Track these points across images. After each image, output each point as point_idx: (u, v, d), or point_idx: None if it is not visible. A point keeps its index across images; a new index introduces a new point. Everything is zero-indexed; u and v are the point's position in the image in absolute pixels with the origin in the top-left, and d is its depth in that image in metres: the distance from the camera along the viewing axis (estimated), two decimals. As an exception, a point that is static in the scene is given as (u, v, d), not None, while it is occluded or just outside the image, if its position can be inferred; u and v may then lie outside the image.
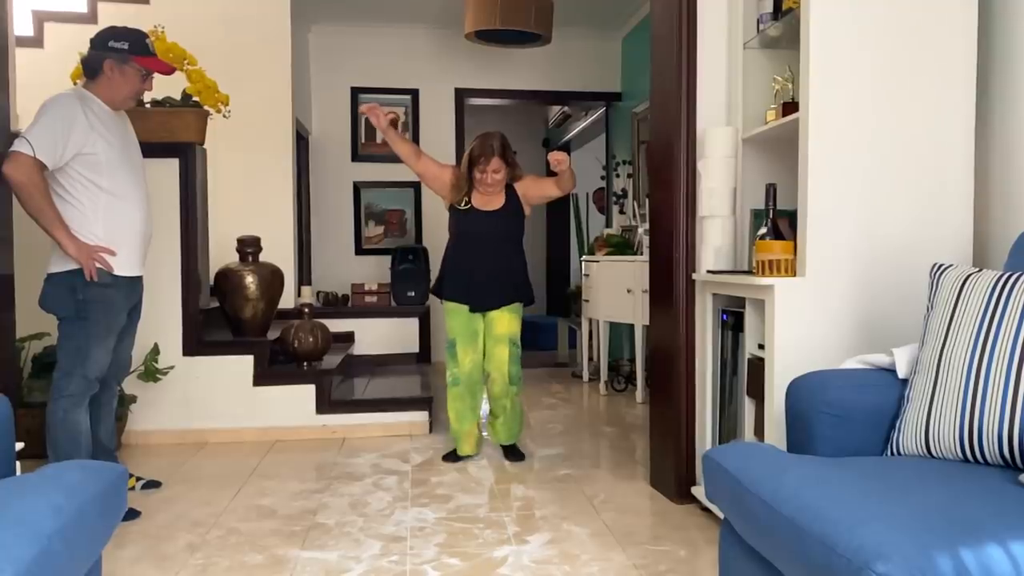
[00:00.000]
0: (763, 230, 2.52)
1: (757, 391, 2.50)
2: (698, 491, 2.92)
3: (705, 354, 2.89)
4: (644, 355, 5.12)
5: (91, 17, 5.23)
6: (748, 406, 2.60)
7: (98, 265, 2.80)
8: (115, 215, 2.86)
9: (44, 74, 4.49)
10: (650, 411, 3.26)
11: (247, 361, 4.10)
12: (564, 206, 9.24)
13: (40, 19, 5.23)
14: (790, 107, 2.58)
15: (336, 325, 5.45)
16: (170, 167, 3.85)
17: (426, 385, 4.69)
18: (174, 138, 3.89)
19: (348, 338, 5.47)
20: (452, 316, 3.65)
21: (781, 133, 2.65)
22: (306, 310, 4.30)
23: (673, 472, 3.01)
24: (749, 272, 2.65)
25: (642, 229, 5.28)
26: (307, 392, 4.15)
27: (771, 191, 2.53)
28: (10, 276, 3.15)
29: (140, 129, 4.07)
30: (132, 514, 2.87)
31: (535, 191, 3.68)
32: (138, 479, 3.26)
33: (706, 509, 2.87)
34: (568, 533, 2.70)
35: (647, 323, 4.94)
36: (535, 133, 9.66)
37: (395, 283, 5.72)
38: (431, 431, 4.24)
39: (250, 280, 4.12)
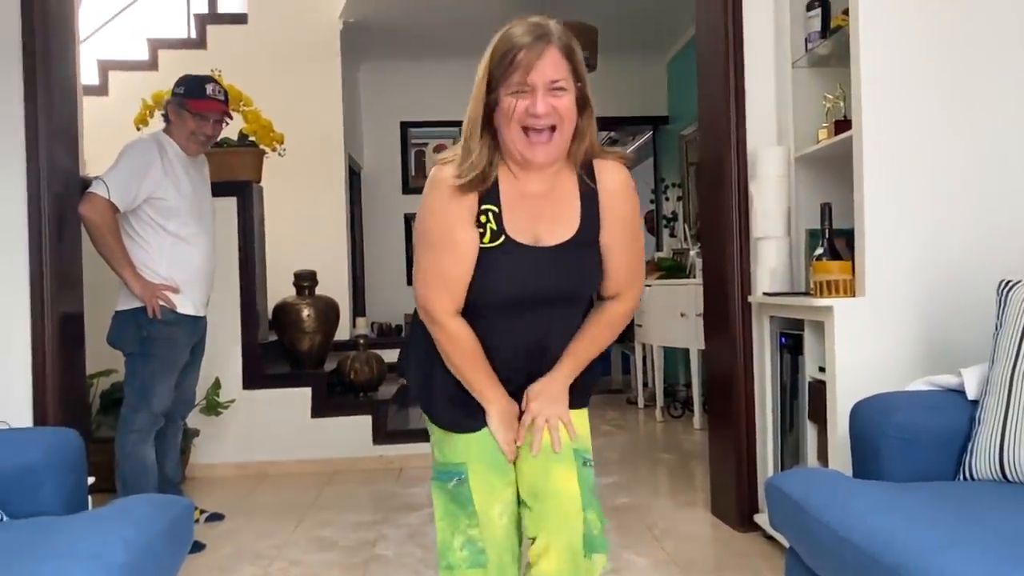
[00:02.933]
0: (820, 250, 2.47)
1: (819, 415, 2.44)
2: (761, 519, 2.85)
3: (764, 378, 2.84)
4: (701, 380, 5.05)
5: (152, 64, 5.45)
6: (810, 431, 2.54)
7: (161, 303, 2.89)
8: (179, 257, 2.96)
9: (109, 121, 4.69)
10: (709, 438, 3.21)
11: (305, 393, 4.16)
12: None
13: (104, 68, 5.48)
14: (843, 125, 2.54)
15: (390, 355, 5.50)
16: (229, 205, 3.95)
17: (481, 414, 4.69)
18: (232, 177, 4.01)
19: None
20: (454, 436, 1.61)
21: (834, 151, 2.61)
22: (361, 341, 4.36)
23: (735, 500, 2.95)
24: (807, 294, 2.60)
25: (694, 251, 5.23)
26: (364, 423, 4.19)
27: (826, 210, 2.49)
28: (80, 314, 3.26)
29: None
30: (197, 547, 2.92)
31: None
32: (202, 512, 3.32)
33: (770, 537, 2.79)
34: (628, 563, 2.66)
35: (703, 347, 4.89)
36: (583, 159, 9.68)
37: (448, 312, 5.76)
38: (487, 460, 4.23)
39: (307, 313, 4.20)
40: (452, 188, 1.45)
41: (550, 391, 1.56)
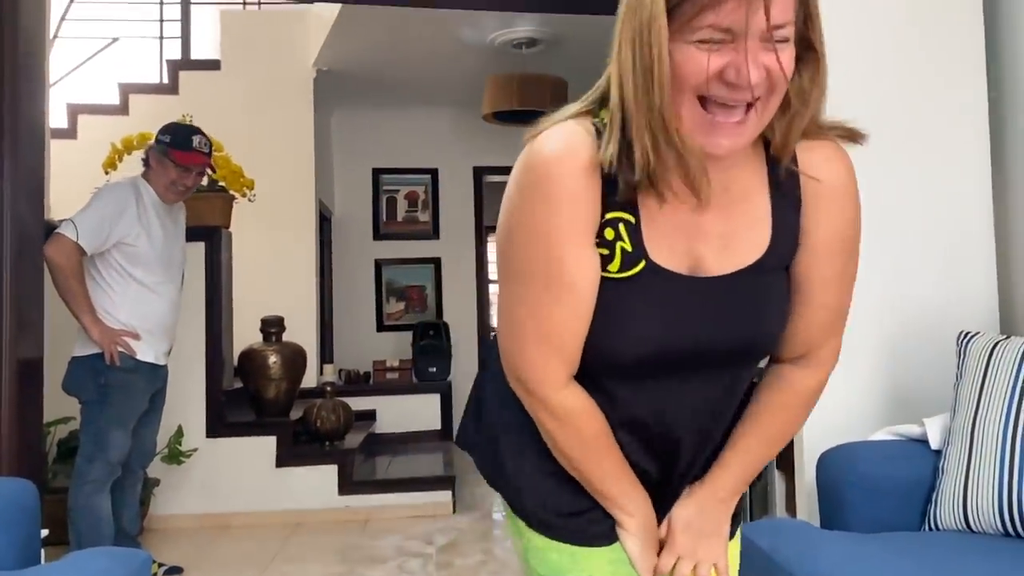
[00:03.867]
0: (785, 300, 2.51)
1: (787, 465, 2.45)
2: (731, 570, 2.84)
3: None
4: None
5: (123, 109, 5.44)
6: (779, 480, 2.54)
7: (120, 349, 2.84)
8: (142, 305, 2.92)
9: (77, 164, 4.66)
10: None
11: (270, 442, 4.09)
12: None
13: (74, 112, 5.45)
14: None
15: (358, 403, 5.43)
16: (197, 251, 3.92)
17: (449, 463, 4.64)
18: (201, 222, 3.98)
19: (370, 416, 5.45)
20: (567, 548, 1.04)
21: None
22: (328, 388, 4.31)
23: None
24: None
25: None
26: (330, 472, 4.12)
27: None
28: (39, 359, 3.19)
29: None
30: None
31: None
32: (160, 565, 3.22)
33: None
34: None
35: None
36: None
37: (417, 359, 5.72)
38: (455, 511, 4.17)
39: (273, 360, 4.15)
40: (583, 183, 0.87)
41: (707, 519, 1.02)
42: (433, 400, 5.66)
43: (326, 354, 5.87)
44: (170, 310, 3.05)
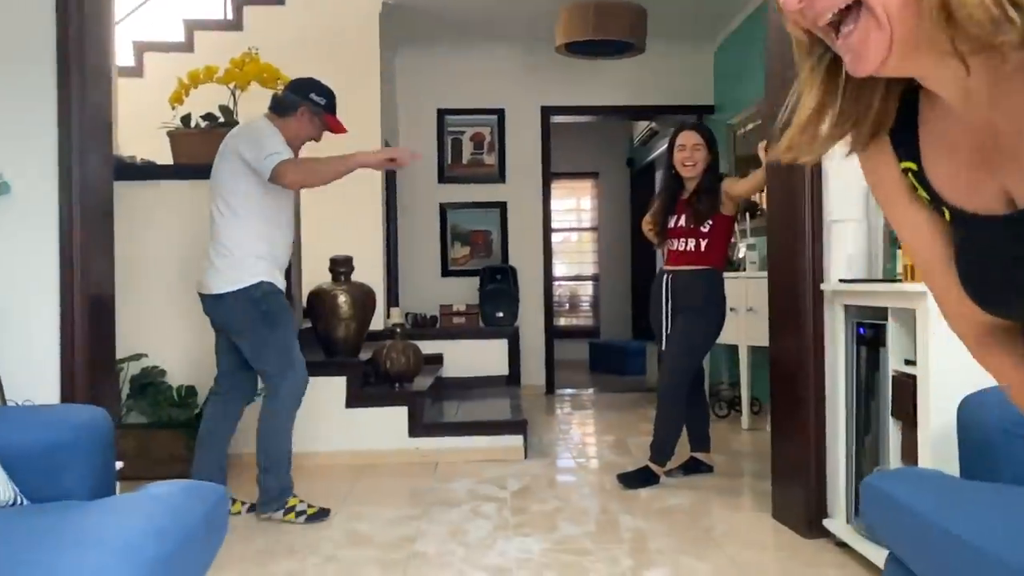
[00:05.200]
0: (908, 232, 2.26)
1: (906, 413, 2.23)
2: (832, 524, 2.65)
3: (836, 373, 2.63)
4: (749, 379, 4.83)
5: (188, 46, 5.34)
6: (894, 429, 2.33)
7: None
8: (274, 237, 3.06)
9: (144, 102, 4.59)
10: (772, 439, 3.00)
11: (340, 383, 4.01)
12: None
13: (140, 49, 5.37)
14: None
15: (425, 347, 5.33)
16: (200, 189, 3.79)
17: (518, 408, 4.51)
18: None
19: (437, 360, 5.36)
20: None
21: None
22: (398, 330, 4.20)
23: (802, 504, 2.74)
24: (893, 280, 2.39)
25: (743, 245, 5.03)
26: (399, 414, 4.03)
27: (916, 188, 2.28)
28: (111, 295, 3.14)
29: (184, 153, 4.08)
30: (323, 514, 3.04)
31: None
32: (243, 503, 3.18)
33: (841, 544, 2.59)
34: (690, 569, 2.47)
35: (753, 344, 4.68)
36: (619, 152, 9.50)
37: (484, 304, 5.59)
38: (526, 456, 4.05)
39: (343, 300, 4.05)
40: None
41: None
42: (500, 345, 5.53)
43: (392, 298, 5.78)
44: (290, 241, 3.20)
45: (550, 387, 6.30)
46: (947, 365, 2.03)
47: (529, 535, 2.82)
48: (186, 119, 4.00)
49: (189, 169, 3.94)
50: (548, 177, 6.44)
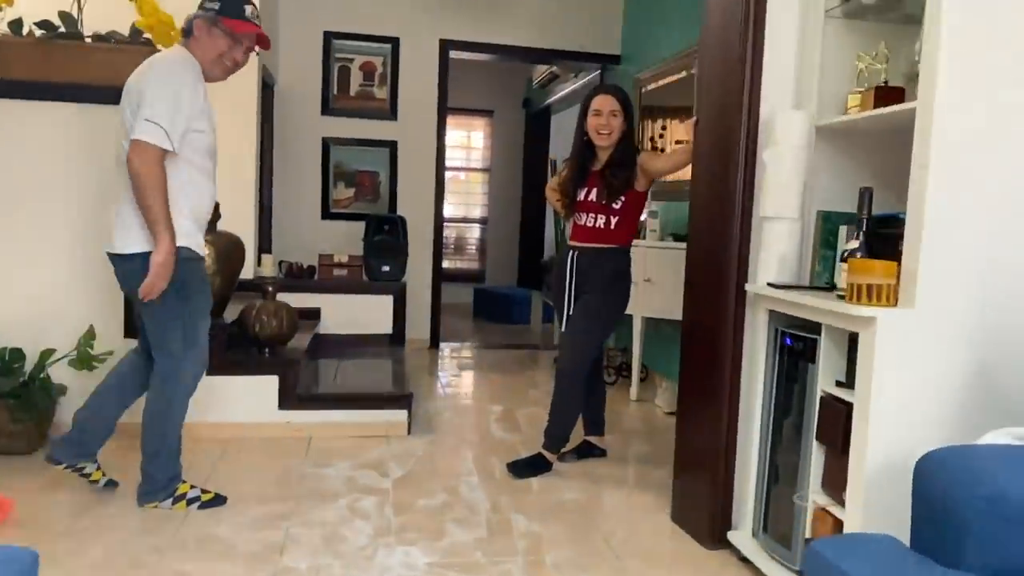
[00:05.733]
0: (853, 243, 2.07)
1: (834, 438, 2.07)
2: (735, 537, 2.51)
3: (753, 381, 2.45)
4: (641, 349, 4.70)
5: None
6: (817, 452, 2.17)
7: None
8: (202, 196, 2.67)
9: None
10: (677, 437, 2.82)
11: (200, 346, 3.53)
12: (540, 171, 8.75)
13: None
14: (885, 93, 2.13)
15: (301, 300, 4.90)
16: (111, 116, 3.22)
17: (402, 376, 4.18)
18: (119, 81, 3.25)
19: (314, 315, 4.92)
20: None
21: (872, 124, 2.19)
22: (269, 288, 3.74)
23: (706, 512, 2.59)
24: (829, 289, 2.21)
25: (644, 211, 4.82)
26: (269, 384, 3.62)
27: (866, 197, 2.08)
28: None
29: (78, 68, 3.47)
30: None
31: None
32: (103, 475, 2.89)
33: (744, 559, 2.46)
34: (591, 592, 2.27)
35: (647, 314, 4.53)
36: (515, 92, 9.10)
37: (369, 256, 5.15)
38: (409, 432, 3.75)
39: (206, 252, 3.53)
40: None
41: None
42: (385, 302, 5.13)
43: (264, 242, 5.25)
44: (213, 196, 2.78)
45: (435, 341, 5.99)
46: (887, 399, 1.86)
47: (414, 543, 2.54)
48: (16, 25, 3.31)
49: (21, 87, 3.30)
50: (443, 116, 5.98)
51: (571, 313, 3.24)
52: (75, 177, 3.37)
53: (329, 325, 4.99)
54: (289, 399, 3.63)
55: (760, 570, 2.35)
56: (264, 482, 3.05)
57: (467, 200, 9.76)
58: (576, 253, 3.23)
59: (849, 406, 2.00)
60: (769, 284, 2.34)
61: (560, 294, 3.28)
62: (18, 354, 3.17)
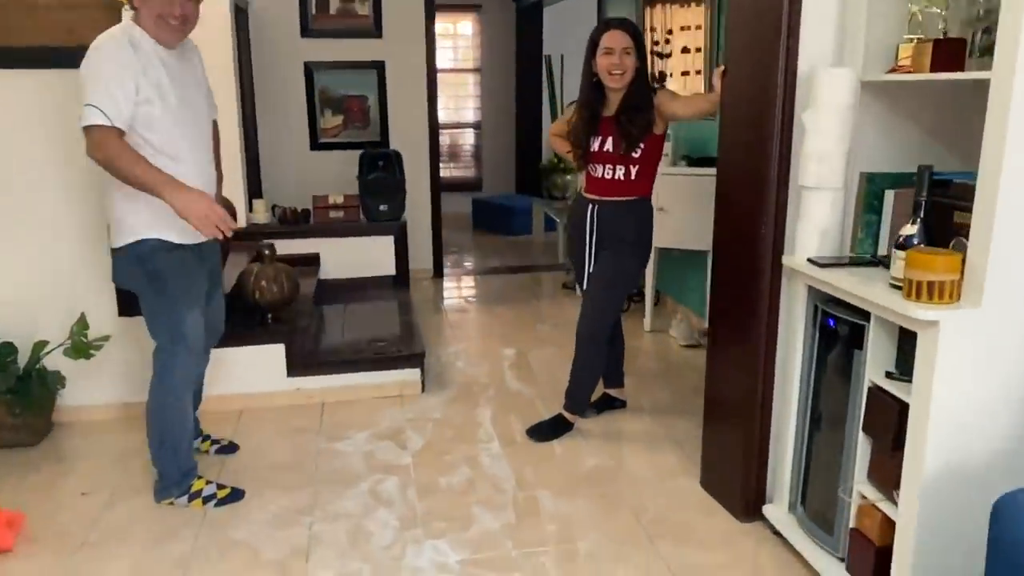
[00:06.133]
0: (910, 229, 1.87)
1: (883, 433, 1.95)
2: (771, 511, 2.44)
3: (790, 359, 2.32)
4: (655, 279, 4.55)
5: None
6: (862, 442, 2.06)
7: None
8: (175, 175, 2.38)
9: None
10: (707, 404, 2.71)
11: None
12: (534, 71, 8.32)
13: None
14: (946, 48, 1.88)
15: (298, 246, 4.73)
16: (67, 81, 2.93)
17: (410, 329, 4.03)
18: (75, 41, 2.94)
19: (313, 261, 4.74)
20: None
21: (928, 82, 1.96)
22: (267, 252, 3.54)
23: (740, 485, 2.52)
24: (875, 263, 2.04)
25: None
26: (276, 353, 3.48)
27: (926, 176, 1.87)
28: None
29: (28, 29, 3.14)
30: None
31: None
32: (213, 443, 3.04)
33: (779, 534, 2.40)
34: (629, 589, 2.21)
35: (660, 245, 4.34)
36: (504, -12, 8.54)
37: (364, 195, 4.91)
38: (424, 389, 3.65)
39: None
40: None
41: None
42: (386, 243, 4.93)
43: (254, 186, 4.99)
44: (198, 176, 2.47)
45: (438, 270, 5.83)
46: (948, 407, 1.73)
47: (442, 535, 2.47)
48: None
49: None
50: (433, 30, 5.57)
51: (591, 271, 3.07)
52: (47, 149, 3.10)
53: (330, 270, 4.81)
54: (297, 366, 3.51)
55: (796, 549, 2.29)
56: (280, 464, 2.96)
57: (459, 104, 9.36)
58: (596, 207, 3.02)
59: (902, 404, 1.87)
60: (810, 260, 2.16)
61: (581, 251, 3.09)
62: (9, 348, 3.02)
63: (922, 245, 1.84)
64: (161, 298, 2.51)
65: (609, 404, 3.42)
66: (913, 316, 1.74)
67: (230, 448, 3.06)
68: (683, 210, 4.16)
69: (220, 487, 2.69)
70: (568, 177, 6.82)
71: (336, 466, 2.94)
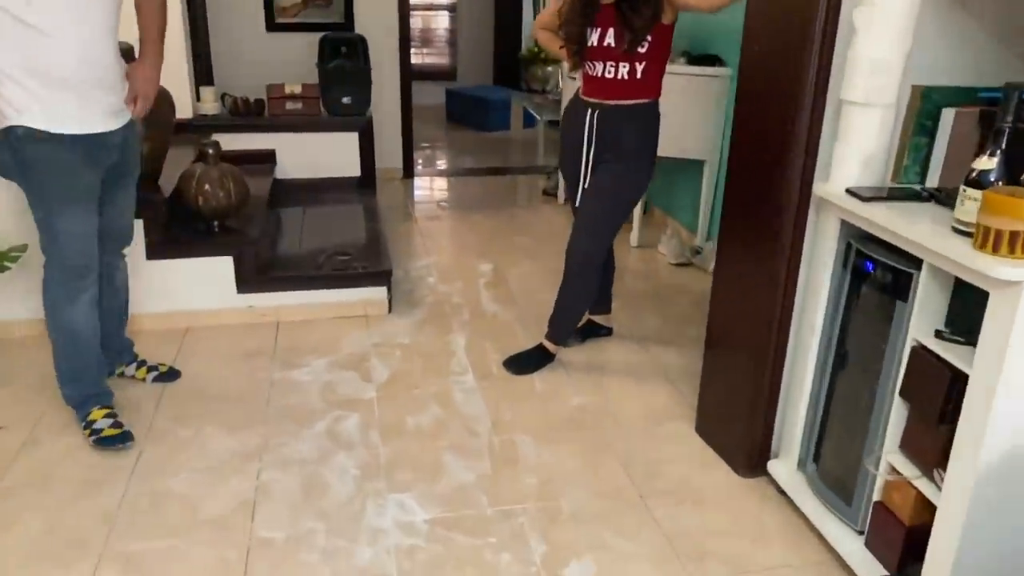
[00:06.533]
0: (987, 162, 1.53)
1: (928, 402, 1.66)
2: (776, 467, 2.19)
3: (816, 301, 2.01)
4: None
5: None
6: (898, 408, 1.78)
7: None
8: (34, 56, 2.04)
9: None
10: (709, 336, 2.41)
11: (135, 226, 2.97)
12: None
13: None
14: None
15: (250, 141, 4.26)
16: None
17: (376, 241, 3.66)
18: None
19: (268, 158, 4.28)
20: None
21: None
22: (210, 151, 3.10)
23: (743, 434, 2.25)
24: (925, 198, 1.70)
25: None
26: (223, 266, 3.11)
27: (1014, 97, 1.50)
28: None
29: None
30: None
31: None
32: (149, 369, 2.72)
33: (782, 492, 2.16)
34: (618, 554, 1.96)
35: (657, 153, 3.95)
36: None
37: (325, 85, 4.40)
38: (391, 310, 3.32)
39: (124, 114, 2.86)
40: None
41: None
42: (349, 140, 4.46)
43: (202, 73, 4.45)
44: (81, 59, 2.10)
45: (408, 171, 5.39)
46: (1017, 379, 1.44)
47: (408, 488, 2.20)
48: None
49: None
50: None
51: (587, 186, 2.69)
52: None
53: (288, 169, 4.36)
54: (248, 281, 3.14)
55: (803, 512, 2.06)
56: (227, 396, 2.65)
57: (433, -16, 8.69)
58: (595, 113, 2.62)
59: (955, 371, 1.58)
60: (849, 192, 1.81)
61: (576, 163, 2.70)
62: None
63: (1001, 184, 1.50)
64: (34, 197, 2.21)
65: (594, 332, 3.12)
66: (989, 274, 1.42)
67: (170, 375, 2.73)
68: (680, 114, 3.76)
69: (114, 426, 2.35)
70: (549, 68, 6.31)
71: (291, 400, 2.63)
